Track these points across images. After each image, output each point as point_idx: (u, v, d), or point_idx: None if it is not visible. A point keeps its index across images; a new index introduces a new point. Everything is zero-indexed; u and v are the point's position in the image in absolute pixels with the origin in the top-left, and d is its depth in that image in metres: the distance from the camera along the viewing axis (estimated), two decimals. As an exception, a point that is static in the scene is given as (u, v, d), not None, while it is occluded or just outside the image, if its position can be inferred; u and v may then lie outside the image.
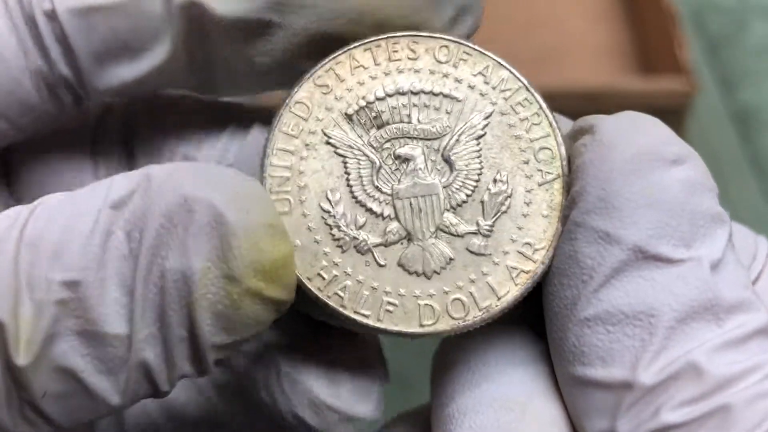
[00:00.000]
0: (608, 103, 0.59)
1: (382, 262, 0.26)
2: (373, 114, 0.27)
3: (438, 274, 0.26)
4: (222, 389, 0.33)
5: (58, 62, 0.27)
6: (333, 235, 0.26)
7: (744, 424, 0.22)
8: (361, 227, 0.26)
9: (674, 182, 0.24)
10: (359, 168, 0.26)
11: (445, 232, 0.26)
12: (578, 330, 0.24)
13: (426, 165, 0.26)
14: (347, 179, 0.26)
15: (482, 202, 0.26)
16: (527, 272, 0.25)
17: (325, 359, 0.29)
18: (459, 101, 0.27)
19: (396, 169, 0.26)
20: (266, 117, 0.29)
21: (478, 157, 0.26)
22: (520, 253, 0.26)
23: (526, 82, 0.27)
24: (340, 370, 0.29)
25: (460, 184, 0.26)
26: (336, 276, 0.26)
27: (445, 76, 0.27)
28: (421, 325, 0.26)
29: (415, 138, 0.26)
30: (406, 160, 0.26)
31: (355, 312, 0.26)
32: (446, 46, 0.27)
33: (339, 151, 0.27)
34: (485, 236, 0.26)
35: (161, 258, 0.23)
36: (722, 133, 0.69)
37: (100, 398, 0.24)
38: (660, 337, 0.23)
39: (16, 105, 0.27)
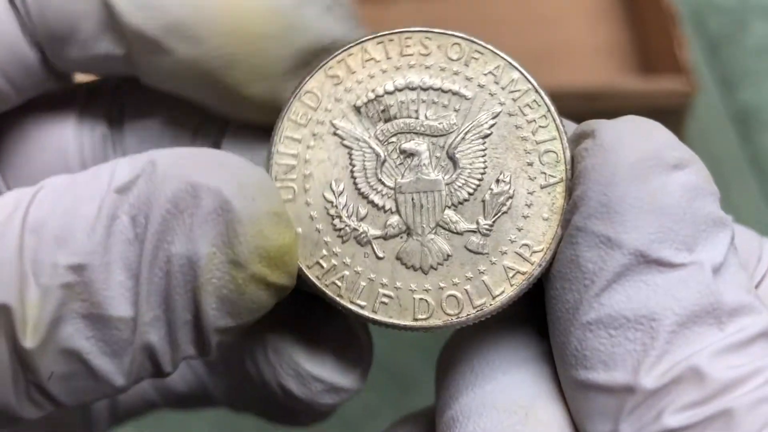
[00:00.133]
0: (608, 103, 0.59)
1: (380, 255, 0.26)
2: (381, 107, 0.27)
3: (435, 269, 0.26)
4: (210, 363, 0.33)
5: (30, 27, 0.27)
6: (334, 225, 0.26)
7: (746, 429, 0.22)
8: (362, 219, 0.26)
9: (676, 187, 0.24)
10: (364, 160, 0.27)
11: (444, 228, 0.26)
12: (580, 334, 0.24)
13: (430, 161, 0.26)
14: (352, 171, 0.26)
15: (483, 201, 0.26)
16: (523, 273, 0.26)
17: (310, 331, 0.29)
18: (467, 99, 0.27)
19: (400, 164, 0.27)
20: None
21: (483, 156, 0.26)
22: (517, 253, 0.26)
23: (536, 84, 0.27)
24: (325, 341, 0.29)
25: (463, 182, 0.26)
26: (335, 265, 0.26)
27: (456, 73, 0.27)
28: (415, 319, 0.26)
29: (421, 134, 0.27)
30: (411, 155, 0.26)
31: (351, 302, 0.26)
32: (458, 44, 0.27)
33: (345, 142, 0.27)
34: (484, 235, 0.26)
35: (167, 243, 0.24)
36: (722, 133, 0.69)
37: (105, 379, 0.24)
38: (662, 341, 0.23)
39: (16, 62, 0.28)
